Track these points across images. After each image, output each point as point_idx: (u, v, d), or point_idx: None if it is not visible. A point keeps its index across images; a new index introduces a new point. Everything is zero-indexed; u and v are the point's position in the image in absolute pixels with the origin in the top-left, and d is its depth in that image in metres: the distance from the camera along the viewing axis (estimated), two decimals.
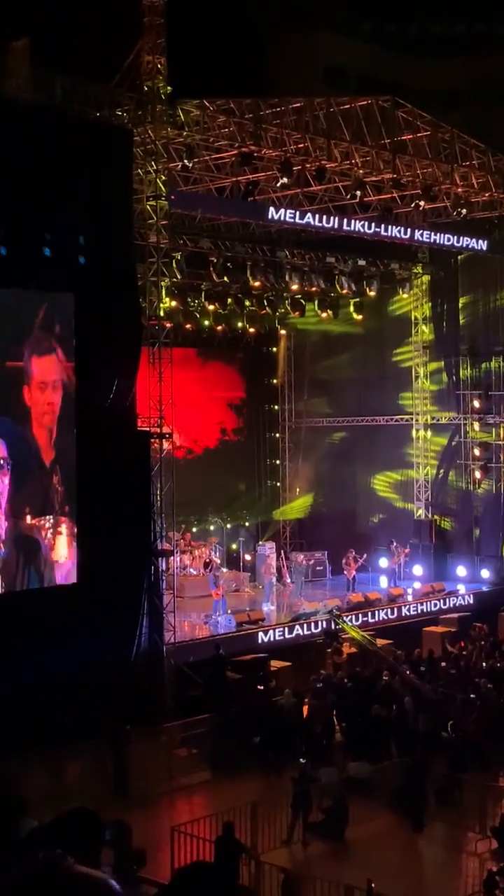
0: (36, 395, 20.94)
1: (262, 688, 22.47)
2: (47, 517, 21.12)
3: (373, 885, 13.04)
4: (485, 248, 31.08)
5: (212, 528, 34.78)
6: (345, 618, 26.65)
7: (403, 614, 29.11)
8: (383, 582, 32.24)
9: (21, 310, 20.79)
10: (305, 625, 26.63)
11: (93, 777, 19.08)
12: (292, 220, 26.86)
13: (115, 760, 19.18)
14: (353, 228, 27.94)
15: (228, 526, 35.27)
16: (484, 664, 24.96)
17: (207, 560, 31.26)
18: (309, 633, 26.44)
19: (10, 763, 17.34)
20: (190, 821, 15.69)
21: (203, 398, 34.17)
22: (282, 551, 33.66)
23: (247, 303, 33.05)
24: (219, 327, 34.12)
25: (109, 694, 20.20)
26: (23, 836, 6.70)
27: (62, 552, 21.38)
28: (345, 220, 27.79)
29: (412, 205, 28.36)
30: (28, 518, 20.87)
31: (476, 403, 33.41)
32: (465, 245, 30.87)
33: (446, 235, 30.19)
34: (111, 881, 1.56)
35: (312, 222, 27.12)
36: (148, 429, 22.89)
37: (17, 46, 21.66)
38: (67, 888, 1.49)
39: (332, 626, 26.29)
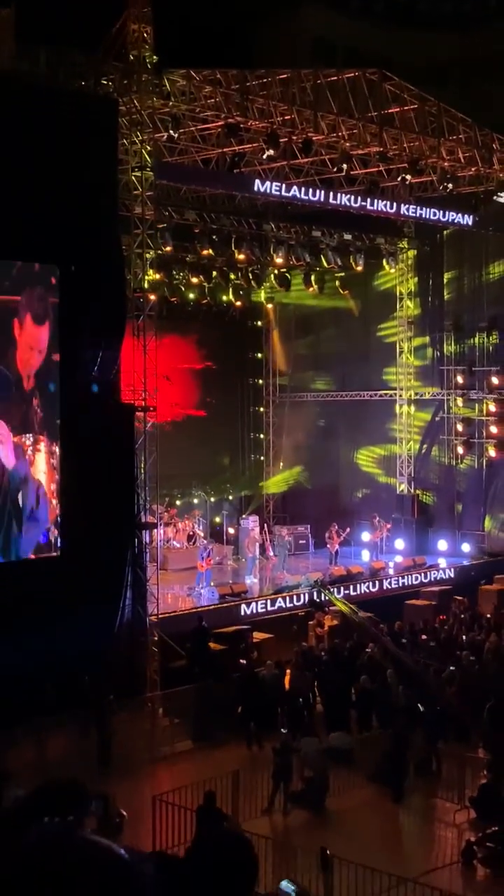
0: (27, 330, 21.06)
1: (244, 662, 22.60)
2: (27, 435, 21.17)
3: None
4: (470, 223, 31.05)
5: (195, 501, 34.86)
6: (331, 588, 26.81)
7: (385, 588, 29.30)
8: (365, 556, 32.41)
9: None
10: (288, 597, 26.79)
11: (76, 747, 19.21)
12: (278, 193, 26.77)
13: (99, 731, 19.30)
14: (339, 202, 27.88)
15: (212, 499, 35.35)
16: (464, 637, 25.18)
17: (191, 533, 31.36)
18: (291, 605, 26.59)
19: None
20: (172, 790, 15.80)
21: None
22: (265, 525, 33.79)
23: (232, 276, 32.96)
24: (203, 301, 34.04)
25: (93, 665, 20.29)
26: (8, 805, 6.77)
27: (41, 467, 21.44)
28: (331, 194, 27.72)
29: (398, 179, 28.31)
30: (11, 436, 20.99)
31: (460, 379, 33.51)
32: (450, 220, 30.85)
33: (432, 210, 30.16)
34: (118, 848, 1.61)
35: (298, 195, 27.06)
36: (132, 402, 22.87)
37: (1, 16, 21.44)
38: (78, 855, 1.54)
39: (319, 597, 26.45)
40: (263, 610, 26.09)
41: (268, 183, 26.56)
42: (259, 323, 37.59)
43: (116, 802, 13.43)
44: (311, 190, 27.38)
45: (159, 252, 26.59)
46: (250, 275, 33.07)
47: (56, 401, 21.37)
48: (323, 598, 26.36)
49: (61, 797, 2.92)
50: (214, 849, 2.54)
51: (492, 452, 32.98)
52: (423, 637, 25.01)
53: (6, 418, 20.89)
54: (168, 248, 28.67)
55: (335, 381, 36.67)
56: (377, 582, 29.37)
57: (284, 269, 33.42)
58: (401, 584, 29.77)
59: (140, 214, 23.13)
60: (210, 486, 35.71)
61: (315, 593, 26.73)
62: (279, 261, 32.24)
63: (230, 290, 34.17)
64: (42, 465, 21.52)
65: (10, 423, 20.95)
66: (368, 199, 28.37)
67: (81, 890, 1.50)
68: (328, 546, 31.70)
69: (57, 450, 21.44)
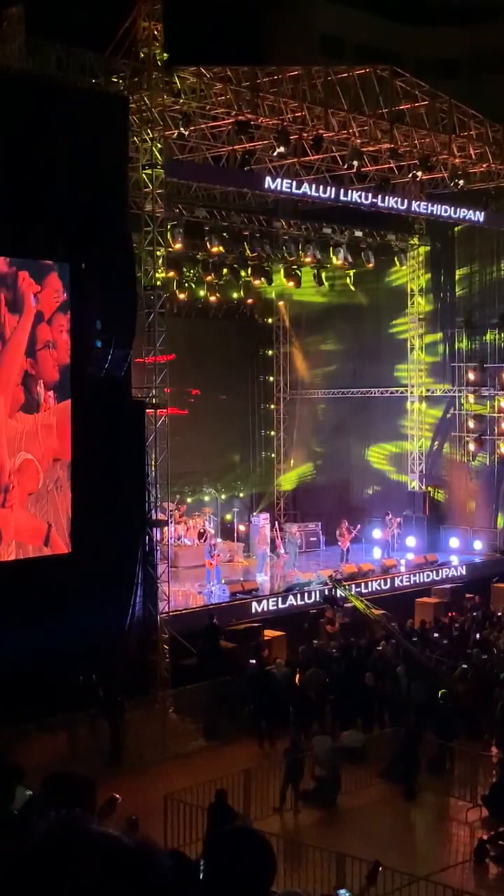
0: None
1: (254, 662, 22.57)
2: None
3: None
4: (482, 219, 30.94)
5: (206, 498, 34.84)
6: (346, 585, 26.76)
7: (396, 585, 29.23)
8: (376, 553, 32.34)
9: None
10: (299, 595, 26.74)
11: (87, 746, 19.24)
12: (289, 190, 26.71)
13: (110, 729, 19.31)
14: (350, 199, 27.80)
15: (223, 497, 35.32)
16: (478, 635, 25.13)
17: (202, 530, 31.34)
18: (302, 603, 26.54)
19: (5, 732, 17.47)
20: (183, 788, 15.82)
21: None
22: (276, 522, 33.74)
23: (242, 273, 32.92)
24: (213, 298, 34.01)
25: (104, 663, 20.29)
26: (20, 806, 6.76)
27: None
28: (342, 191, 27.65)
29: (409, 175, 28.22)
30: None
31: (471, 376, 33.41)
32: (462, 216, 30.73)
33: (443, 207, 30.06)
34: (127, 839, 1.59)
35: (309, 192, 26.98)
36: (143, 398, 22.87)
37: (11, 13, 21.43)
38: (84, 846, 1.52)
39: (334, 593, 26.39)
40: (275, 607, 26.06)
41: (278, 180, 26.50)
42: (270, 320, 37.55)
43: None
44: (321, 187, 27.30)
45: (170, 249, 26.56)
46: (261, 272, 33.01)
47: (67, 397, 21.37)
48: (338, 594, 26.30)
49: (67, 790, 2.92)
50: (231, 845, 2.52)
51: (503, 449, 32.88)
52: (435, 635, 24.96)
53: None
54: (178, 246, 28.64)
55: (346, 378, 36.59)
56: (388, 579, 29.30)
57: (295, 267, 33.36)
58: (412, 582, 29.70)
59: (150, 212, 23.11)
60: (221, 484, 35.69)
61: (330, 589, 26.68)
62: (290, 258, 32.16)
63: (241, 287, 34.10)
64: None
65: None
66: (379, 196, 28.27)
67: (88, 882, 1.49)
68: (339, 543, 31.64)
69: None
